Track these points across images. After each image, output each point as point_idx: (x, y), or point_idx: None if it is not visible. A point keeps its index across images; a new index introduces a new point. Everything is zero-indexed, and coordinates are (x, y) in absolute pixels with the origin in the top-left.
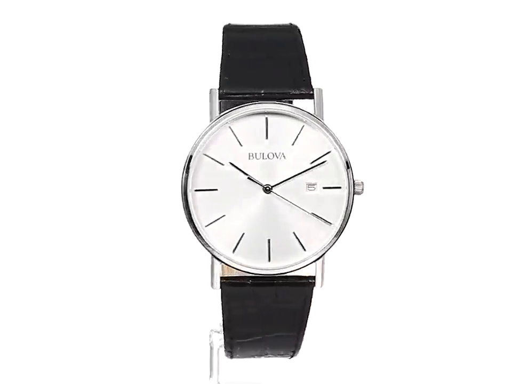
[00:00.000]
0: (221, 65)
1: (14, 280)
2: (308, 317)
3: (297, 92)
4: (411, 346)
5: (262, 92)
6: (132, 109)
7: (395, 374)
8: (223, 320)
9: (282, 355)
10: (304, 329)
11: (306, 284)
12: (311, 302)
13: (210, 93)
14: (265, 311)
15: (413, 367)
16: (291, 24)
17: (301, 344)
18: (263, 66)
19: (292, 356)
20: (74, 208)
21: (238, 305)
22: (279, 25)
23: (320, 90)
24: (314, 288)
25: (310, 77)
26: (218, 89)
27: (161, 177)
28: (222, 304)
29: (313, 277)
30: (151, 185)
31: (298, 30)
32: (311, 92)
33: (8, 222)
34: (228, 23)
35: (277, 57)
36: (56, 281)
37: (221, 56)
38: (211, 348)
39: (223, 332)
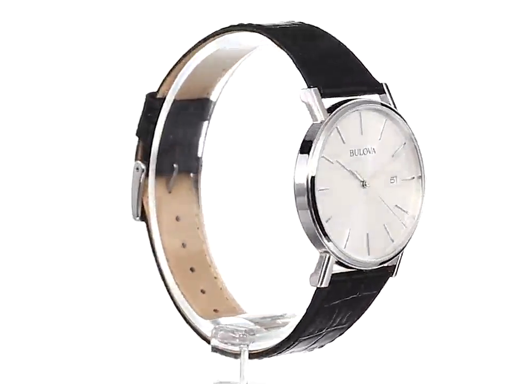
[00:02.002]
0: (298, 65)
1: None
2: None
3: (372, 88)
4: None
5: (349, 88)
6: None
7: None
8: (303, 317)
9: (312, 349)
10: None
11: (389, 273)
12: (380, 291)
13: (305, 92)
14: (346, 304)
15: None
16: (304, 23)
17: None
18: (335, 65)
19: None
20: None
21: (332, 301)
22: (300, 24)
23: (386, 84)
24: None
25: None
26: (316, 88)
27: None
28: (316, 300)
29: (395, 266)
30: None
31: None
32: (382, 87)
33: None
34: (254, 23)
35: (337, 55)
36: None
37: (290, 56)
38: (242, 352)
39: (292, 329)
